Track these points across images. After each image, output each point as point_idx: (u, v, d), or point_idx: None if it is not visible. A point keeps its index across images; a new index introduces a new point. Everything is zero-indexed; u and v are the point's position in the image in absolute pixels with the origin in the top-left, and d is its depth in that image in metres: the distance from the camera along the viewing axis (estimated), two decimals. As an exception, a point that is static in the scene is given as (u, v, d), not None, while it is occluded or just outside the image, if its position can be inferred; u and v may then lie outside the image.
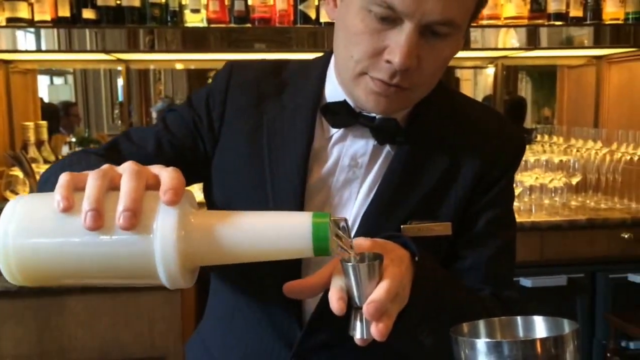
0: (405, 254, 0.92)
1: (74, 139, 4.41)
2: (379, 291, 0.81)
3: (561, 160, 3.33)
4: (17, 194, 2.91)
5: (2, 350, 2.39)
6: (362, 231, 1.10)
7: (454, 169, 1.16)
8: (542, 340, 0.79)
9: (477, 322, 0.87)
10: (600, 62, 3.95)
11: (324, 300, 0.85)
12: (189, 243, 0.74)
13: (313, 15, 3.23)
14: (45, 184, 1.04)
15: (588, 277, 3.21)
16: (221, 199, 1.21)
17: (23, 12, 3.08)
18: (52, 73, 5.77)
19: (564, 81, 4.35)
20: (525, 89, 5.50)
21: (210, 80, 1.28)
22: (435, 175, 1.15)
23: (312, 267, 1.09)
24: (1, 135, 3.42)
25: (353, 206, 1.15)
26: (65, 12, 3.11)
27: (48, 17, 3.11)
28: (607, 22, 3.43)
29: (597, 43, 3.45)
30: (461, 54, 2.54)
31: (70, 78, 5.83)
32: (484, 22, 3.34)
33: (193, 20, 3.21)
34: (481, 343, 0.79)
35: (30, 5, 3.11)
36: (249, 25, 3.22)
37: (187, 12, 3.21)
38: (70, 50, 3.16)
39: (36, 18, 3.10)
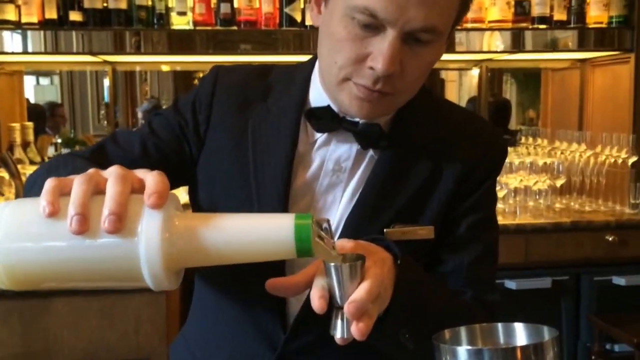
0: (388, 256, 0.93)
1: (59, 140, 4.39)
2: (360, 291, 0.83)
3: (545, 163, 3.33)
4: (2, 195, 2.90)
5: (-13, 352, 2.39)
6: (346, 235, 1.10)
7: (436, 174, 1.17)
8: (522, 347, 0.80)
9: (459, 328, 0.88)
10: (584, 65, 3.97)
11: (308, 303, 0.86)
12: (173, 245, 0.75)
13: (299, 18, 3.25)
14: (32, 189, 1.05)
15: (573, 280, 3.22)
16: (206, 201, 1.22)
17: (10, 14, 3.09)
18: (38, 73, 5.73)
19: (548, 84, 4.37)
20: (510, 90, 5.50)
21: (196, 82, 1.29)
22: (419, 179, 1.16)
23: (296, 270, 1.08)
24: (-13, 137, 3.41)
25: (337, 210, 1.16)
26: (52, 14, 3.12)
27: (35, 19, 3.11)
28: (590, 26, 3.47)
29: (581, 46, 3.49)
30: (446, 56, 2.56)
31: (56, 78, 5.79)
32: (469, 25, 3.36)
33: (179, 22, 3.22)
34: (462, 350, 0.80)
35: (18, 7, 3.11)
36: (234, 27, 3.24)
37: (173, 14, 3.22)
38: (57, 52, 3.17)
39: (23, 20, 3.11)
